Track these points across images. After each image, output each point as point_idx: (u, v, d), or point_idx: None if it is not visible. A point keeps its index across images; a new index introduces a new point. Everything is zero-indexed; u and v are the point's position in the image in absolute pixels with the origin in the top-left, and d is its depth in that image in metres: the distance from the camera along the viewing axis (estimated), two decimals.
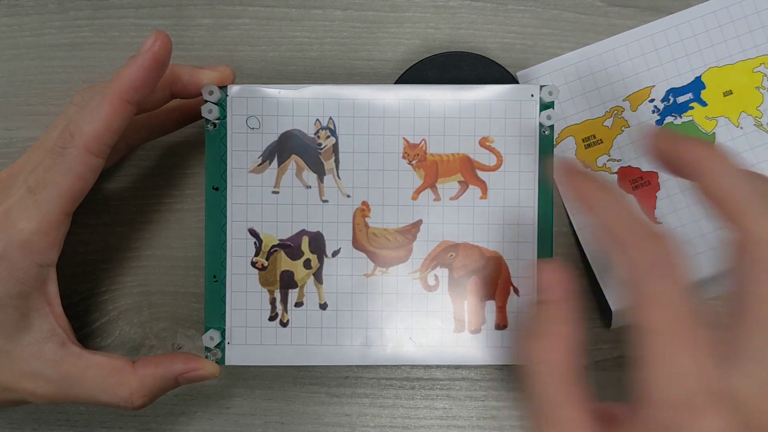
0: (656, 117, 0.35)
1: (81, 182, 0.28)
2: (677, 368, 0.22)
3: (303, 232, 0.31)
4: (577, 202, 0.26)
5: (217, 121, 0.31)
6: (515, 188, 0.31)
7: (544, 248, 0.31)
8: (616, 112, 0.35)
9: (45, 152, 0.28)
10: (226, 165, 0.31)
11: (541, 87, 0.31)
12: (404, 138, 0.31)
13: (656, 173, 0.35)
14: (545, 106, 0.31)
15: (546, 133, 0.31)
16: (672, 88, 0.35)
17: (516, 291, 0.31)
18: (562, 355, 0.24)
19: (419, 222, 0.31)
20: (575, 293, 0.26)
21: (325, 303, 0.31)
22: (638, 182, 0.35)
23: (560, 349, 0.25)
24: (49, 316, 0.29)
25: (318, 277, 0.31)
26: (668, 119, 0.35)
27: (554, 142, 0.35)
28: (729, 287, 0.23)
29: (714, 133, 0.35)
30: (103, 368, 0.29)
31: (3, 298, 0.28)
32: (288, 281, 0.31)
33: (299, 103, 0.31)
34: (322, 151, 0.31)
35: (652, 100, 0.35)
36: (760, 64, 0.35)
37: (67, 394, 0.29)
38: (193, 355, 0.31)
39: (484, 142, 0.31)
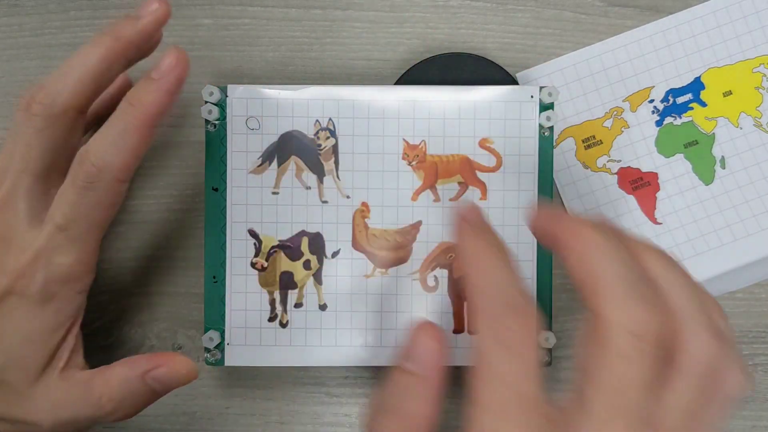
0: (656, 117, 0.35)
1: (113, 210, 0.28)
2: None
3: (303, 233, 0.31)
4: (459, 254, 0.25)
5: (216, 122, 0.31)
6: (515, 189, 0.31)
7: (543, 249, 0.31)
8: (615, 112, 0.35)
9: (69, 187, 0.27)
10: (225, 166, 0.31)
11: (541, 88, 0.31)
12: (404, 139, 0.31)
13: (656, 173, 0.35)
14: (545, 107, 0.31)
15: (546, 134, 0.31)
16: (671, 89, 0.35)
17: None
18: None
19: (419, 223, 0.31)
20: (444, 367, 0.24)
21: (325, 304, 0.31)
22: (638, 183, 0.35)
23: None
24: (71, 349, 0.28)
25: (317, 277, 0.31)
26: (668, 120, 0.35)
27: (554, 143, 0.35)
28: (576, 367, 0.22)
29: (714, 133, 0.35)
30: (78, 381, 0.28)
31: (34, 333, 0.27)
32: (287, 282, 0.31)
33: (299, 104, 0.31)
34: (321, 152, 0.31)
35: (651, 101, 0.35)
36: (760, 64, 0.35)
37: (60, 420, 0.28)
38: (162, 353, 0.29)
39: (483, 143, 0.31)
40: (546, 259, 0.31)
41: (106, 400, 0.27)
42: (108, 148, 0.26)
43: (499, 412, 0.21)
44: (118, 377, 0.28)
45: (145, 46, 0.29)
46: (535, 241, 0.31)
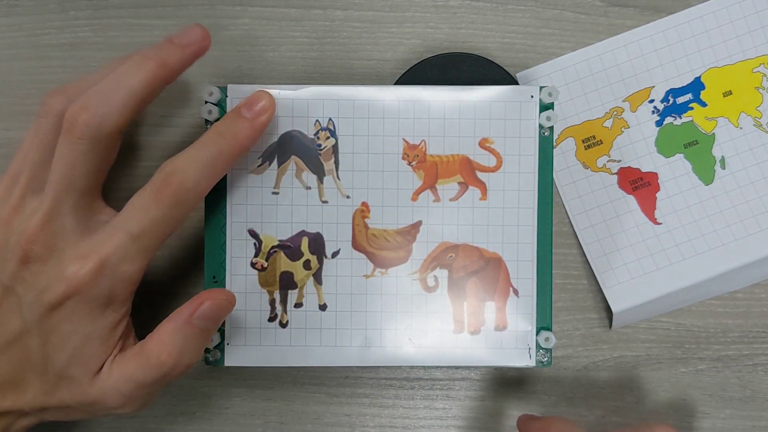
0: (656, 117, 0.35)
1: (178, 225, 0.29)
2: None
3: (303, 233, 0.31)
4: None
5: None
6: (515, 189, 0.31)
7: (544, 249, 0.31)
8: (615, 112, 0.35)
9: (152, 202, 0.28)
10: None
11: (541, 88, 0.31)
12: (404, 139, 0.31)
13: (656, 173, 0.35)
14: (545, 107, 0.31)
15: (546, 134, 0.31)
16: (672, 89, 0.35)
17: (516, 292, 0.31)
18: None
19: (419, 223, 0.31)
20: None
21: (325, 304, 0.31)
22: (638, 183, 0.35)
23: None
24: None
25: (317, 277, 0.31)
26: (668, 120, 0.35)
27: (554, 143, 0.35)
28: None
29: (714, 133, 0.35)
30: (133, 353, 0.29)
31: (95, 332, 0.28)
32: (287, 282, 0.31)
33: (299, 104, 0.31)
34: (321, 152, 0.31)
35: (651, 101, 0.35)
36: (760, 64, 0.35)
37: (126, 393, 0.29)
38: (198, 294, 0.29)
39: (483, 143, 0.31)
40: (546, 259, 0.31)
41: (165, 356, 0.28)
42: (199, 170, 0.28)
43: None
44: (168, 332, 0.28)
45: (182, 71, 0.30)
46: (536, 241, 0.31)
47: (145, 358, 0.28)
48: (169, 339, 0.28)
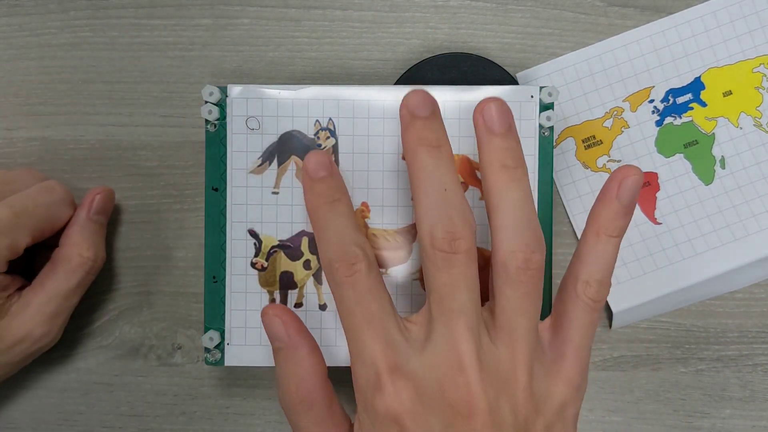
0: (656, 117, 0.35)
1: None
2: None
3: (303, 233, 0.31)
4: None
5: (216, 122, 0.31)
6: None
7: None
8: (615, 112, 0.35)
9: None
10: (225, 166, 0.31)
11: (541, 88, 0.31)
12: None
13: (656, 173, 0.35)
14: (545, 107, 0.31)
15: (546, 134, 0.31)
16: (671, 89, 0.35)
17: None
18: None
19: None
20: (301, 326, 0.28)
21: (325, 304, 0.31)
22: None
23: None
24: None
25: (317, 277, 0.31)
26: (668, 120, 0.35)
27: (554, 143, 0.35)
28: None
29: (714, 133, 0.35)
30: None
31: None
32: (287, 282, 0.31)
33: (299, 104, 0.31)
34: None
35: (651, 101, 0.35)
36: (760, 64, 0.35)
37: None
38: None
39: None
40: (546, 258, 0.31)
41: (85, 251, 0.32)
42: None
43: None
44: (77, 232, 0.33)
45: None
46: None
47: (65, 263, 0.32)
48: (81, 238, 0.32)
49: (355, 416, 0.27)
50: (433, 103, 0.27)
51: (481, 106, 0.27)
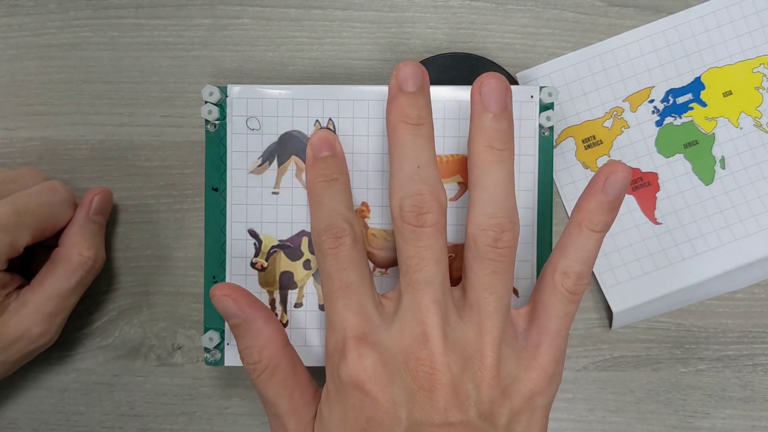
0: (656, 117, 0.35)
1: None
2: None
3: (303, 233, 0.31)
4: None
5: (216, 122, 0.31)
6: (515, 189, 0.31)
7: (543, 249, 0.31)
8: (615, 112, 0.35)
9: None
10: (225, 166, 0.31)
11: (541, 88, 0.31)
12: None
13: (656, 174, 0.35)
14: (545, 107, 0.31)
15: (546, 134, 0.31)
16: (672, 89, 0.35)
17: (515, 292, 0.31)
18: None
19: None
20: (251, 299, 0.28)
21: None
22: (638, 183, 0.35)
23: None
24: None
25: (317, 277, 0.31)
26: (668, 120, 0.35)
27: (554, 143, 0.35)
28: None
29: (714, 133, 0.35)
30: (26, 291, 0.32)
31: None
32: (287, 282, 0.31)
33: (299, 104, 0.31)
34: None
35: (651, 101, 0.35)
36: (760, 64, 0.35)
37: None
38: None
39: None
40: (546, 259, 0.31)
41: (86, 251, 0.32)
42: None
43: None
44: (77, 232, 0.32)
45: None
46: (535, 241, 0.31)
47: (65, 263, 0.32)
48: (81, 238, 0.32)
49: (324, 384, 0.28)
50: (422, 78, 0.27)
51: (481, 80, 0.27)
